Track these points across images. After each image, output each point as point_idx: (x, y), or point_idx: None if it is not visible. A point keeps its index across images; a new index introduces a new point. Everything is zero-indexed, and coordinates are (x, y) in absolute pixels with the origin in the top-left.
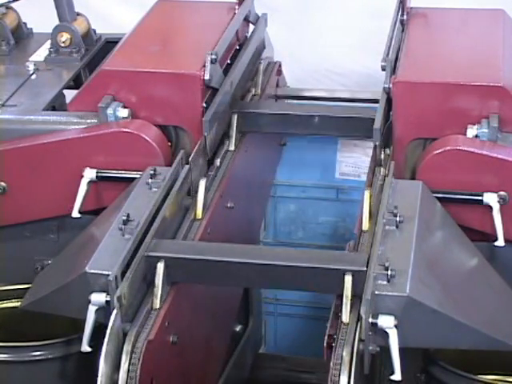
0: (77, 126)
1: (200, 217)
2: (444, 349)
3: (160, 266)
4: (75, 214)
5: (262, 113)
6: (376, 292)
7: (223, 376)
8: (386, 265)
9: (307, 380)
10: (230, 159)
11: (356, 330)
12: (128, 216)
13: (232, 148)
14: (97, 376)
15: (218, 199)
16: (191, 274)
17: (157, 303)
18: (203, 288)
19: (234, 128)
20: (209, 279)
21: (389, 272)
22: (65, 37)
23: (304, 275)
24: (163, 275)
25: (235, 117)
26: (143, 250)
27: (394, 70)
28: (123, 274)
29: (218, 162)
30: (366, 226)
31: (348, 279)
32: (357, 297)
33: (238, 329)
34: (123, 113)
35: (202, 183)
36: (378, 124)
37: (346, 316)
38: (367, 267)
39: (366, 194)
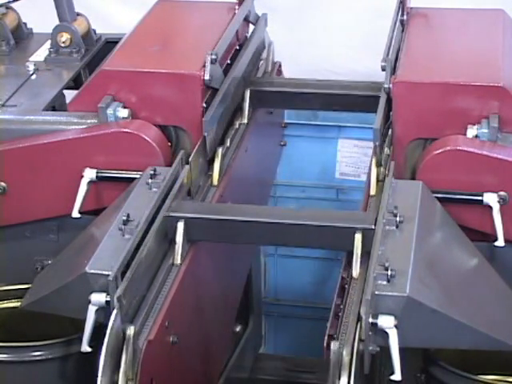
0: (77, 126)
1: (216, 183)
2: (444, 349)
3: (180, 225)
4: (75, 214)
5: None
6: (376, 292)
7: (223, 376)
8: (386, 265)
9: (307, 380)
10: (229, 160)
11: (356, 329)
12: (128, 216)
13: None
14: (97, 376)
15: (218, 199)
16: (209, 232)
17: (178, 259)
18: (203, 288)
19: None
20: (225, 238)
21: (389, 272)
22: (65, 37)
23: (316, 233)
24: (183, 234)
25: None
26: (164, 210)
27: (394, 70)
28: (123, 274)
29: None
30: (373, 190)
31: (358, 237)
32: (365, 254)
33: (238, 329)
34: (123, 113)
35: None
36: (378, 124)
37: (355, 271)
38: (375, 225)
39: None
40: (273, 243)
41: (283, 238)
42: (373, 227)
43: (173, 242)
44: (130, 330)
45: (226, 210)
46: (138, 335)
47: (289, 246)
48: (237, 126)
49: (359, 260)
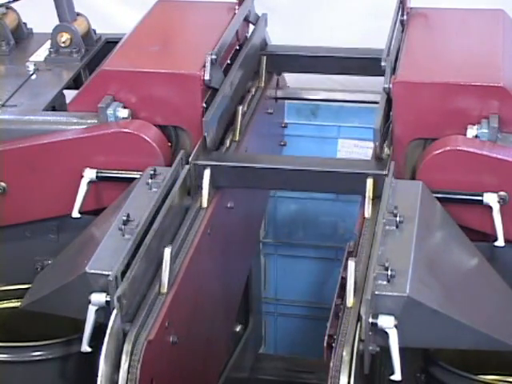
0: (77, 127)
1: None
2: (444, 349)
3: (206, 173)
4: (75, 214)
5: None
6: (376, 292)
7: (223, 376)
8: (386, 265)
9: (307, 380)
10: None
11: (356, 330)
12: (128, 216)
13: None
14: (97, 376)
15: (218, 199)
16: (232, 179)
17: (204, 202)
18: (203, 288)
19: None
20: (246, 183)
21: (389, 272)
22: (65, 37)
23: (331, 178)
24: (209, 180)
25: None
26: (192, 159)
27: (394, 70)
28: (123, 273)
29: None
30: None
31: (370, 182)
32: (377, 198)
33: (238, 329)
34: (123, 113)
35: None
36: (377, 124)
37: (367, 212)
38: (388, 172)
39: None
40: (291, 188)
41: (300, 183)
42: (384, 173)
43: (199, 188)
44: (130, 330)
45: (246, 159)
46: (138, 335)
47: (304, 191)
48: (253, 93)
49: (371, 202)
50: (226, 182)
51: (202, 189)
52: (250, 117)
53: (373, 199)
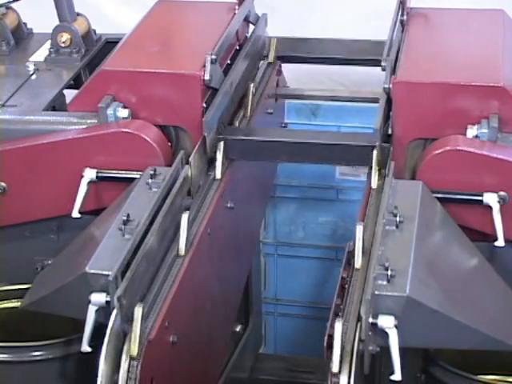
0: (77, 127)
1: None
2: (444, 349)
3: (220, 144)
4: (75, 214)
5: None
6: (376, 292)
7: (223, 376)
8: (386, 265)
9: (307, 380)
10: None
11: (356, 329)
12: (128, 216)
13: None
14: (97, 376)
15: (218, 199)
16: (244, 151)
17: (218, 174)
18: (203, 288)
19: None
20: (257, 156)
21: (389, 272)
22: (65, 37)
23: (339, 151)
24: (223, 152)
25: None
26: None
27: (394, 70)
28: (123, 273)
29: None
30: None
31: (376, 153)
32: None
33: (238, 329)
34: (123, 113)
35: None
36: (378, 124)
37: (374, 182)
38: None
39: (359, 228)
40: (301, 161)
41: (307, 155)
42: (388, 145)
43: (214, 160)
44: (130, 330)
45: (257, 133)
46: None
47: (311, 163)
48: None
49: (377, 173)
50: (238, 154)
51: (216, 160)
52: (250, 117)
53: (379, 170)
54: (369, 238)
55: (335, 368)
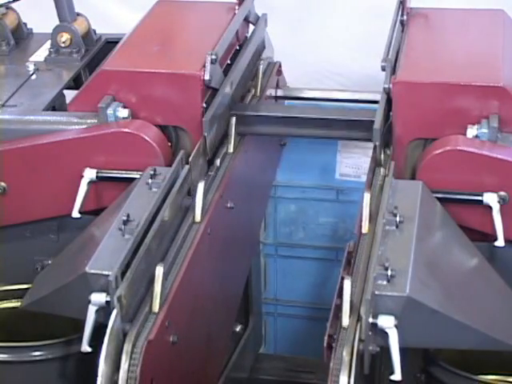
0: (77, 127)
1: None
2: (444, 349)
3: (232, 119)
4: (75, 214)
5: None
6: (376, 292)
7: (223, 376)
8: (386, 265)
9: (307, 380)
10: (229, 160)
11: (356, 330)
12: (128, 216)
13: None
14: (97, 376)
15: (218, 199)
16: (254, 127)
17: (230, 148)
18: (203, 288)
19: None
20: (265, 130)
21: (389, 272)
22: (65, 37)
23: (339, 125)
24: (235, 127)
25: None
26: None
27: (393, 70)
28: (123, 273)
29: (217, 162)
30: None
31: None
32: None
33: (238, 329)
34: (123, 113)
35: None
36: (377, 124)
37: (379, 158)
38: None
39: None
40: (304, 136)
41: (312, 130)
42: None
43: (228, 135)
44: (130, 330)
45: (265, 108)
46: (138, 335)
47: (314, 138)
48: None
49: (379, 149)
50: (248, 129)
51: (229, 136)
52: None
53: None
54: (369, 238)
55: (345, 321)
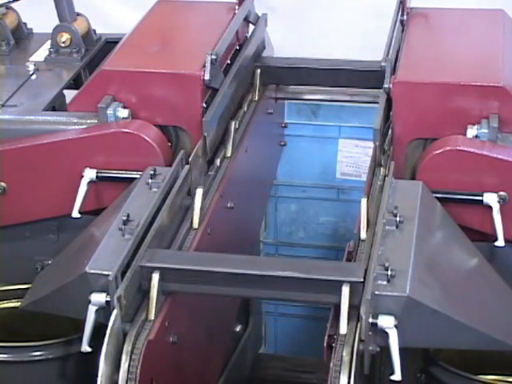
0: (77, 127)
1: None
2: (444, 349)
3: (257, 71)
4: (75, 214)
5: None
6: (376, 292)
7: (223, 376)
8: (386, 265)
9: (307, 380)
10: (229, 160)
11: (356, 330)
12: (128, 216)
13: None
14: (97, 376)
15: (218, 199)
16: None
17: (256, 96)
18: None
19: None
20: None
21: (389, 272)
22: (65, 37)
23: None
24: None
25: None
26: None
27: (394, 70)
28: (123, 274)
29: (217, 162)
30: (363, 235)
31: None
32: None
33: (238, 329)
34: (123, 113)
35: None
36: (377, 124)
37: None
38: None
39: (364, 201)
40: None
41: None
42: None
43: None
44: (130, 330)
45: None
46: (138, 335)
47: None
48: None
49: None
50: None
51: (253, 85)
52: (250, 117)
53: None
54: (369, 238)
55: (363, 234)
